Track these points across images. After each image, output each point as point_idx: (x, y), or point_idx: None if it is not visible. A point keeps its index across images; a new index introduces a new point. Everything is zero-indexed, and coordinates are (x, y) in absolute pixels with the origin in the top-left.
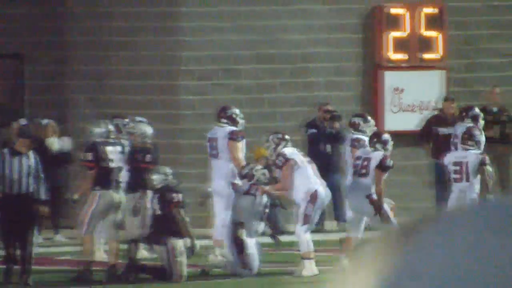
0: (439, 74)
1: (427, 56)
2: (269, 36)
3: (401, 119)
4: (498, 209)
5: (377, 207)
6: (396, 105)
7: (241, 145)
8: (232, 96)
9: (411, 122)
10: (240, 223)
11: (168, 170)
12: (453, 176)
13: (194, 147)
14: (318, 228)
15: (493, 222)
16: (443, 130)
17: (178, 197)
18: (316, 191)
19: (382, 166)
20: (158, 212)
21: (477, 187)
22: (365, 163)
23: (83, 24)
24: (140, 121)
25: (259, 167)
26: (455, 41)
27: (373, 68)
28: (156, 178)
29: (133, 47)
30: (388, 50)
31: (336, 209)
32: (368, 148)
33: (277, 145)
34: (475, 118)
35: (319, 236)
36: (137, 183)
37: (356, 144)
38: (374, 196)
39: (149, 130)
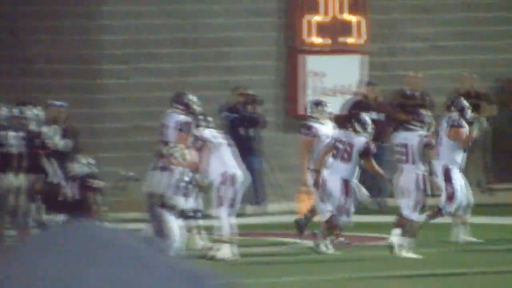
0: (360, 59)
1: (348, 40)
2: (191, 20)
3: None
4: (80, 234)
5: (347, 192)
6: (316, 89)
7: (189, 136)
8: (154, 80)
9: (331, 106)
10: (159, 195)
11: (84, 159)
12: (397, 157)
13: (115, 131)
14: (239, 212)
15: (72, 248)
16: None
17: (95, 182)
18: (231, 173)
19: (367, 154)
20: (73, 197)
21: (422, 167)
22: (348, 148)
23: (3, 8)
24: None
25: (179, 147)
26: (376, 26)
27: (293, 52)
28: (74, 166)
29: (54, 31)
30: (308, 34)
31: (256, 193)
32: (350, 132)
33: (196, 126)
34: (461, 110)
35: (239, 220)
36: (30, 167)
37: (302, 130)
38: (352, 183)
39: (31, 114)
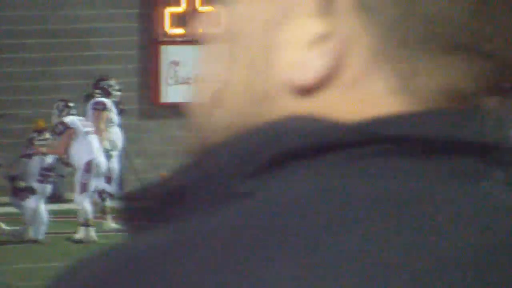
0: None
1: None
2: (54, 12)
3: (177, 91)
4: None
5: None
6: (173, 77)
7: (104, 115)
8: (19, 70)
9: (187, 94)
10: (14, 176)
11: None
12: None
13: None
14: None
15: None
16: None
17: None
18: (92, 160)
19: None
20: None
21: None
22: None
23: None
24: None
25: (45, 136)
26: None
27: (151, 42)
28: None
29: None
30: (166, 25)
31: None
32: None
33: (61, 112)
34: None
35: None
36: None
37: None
38: None
39: None
